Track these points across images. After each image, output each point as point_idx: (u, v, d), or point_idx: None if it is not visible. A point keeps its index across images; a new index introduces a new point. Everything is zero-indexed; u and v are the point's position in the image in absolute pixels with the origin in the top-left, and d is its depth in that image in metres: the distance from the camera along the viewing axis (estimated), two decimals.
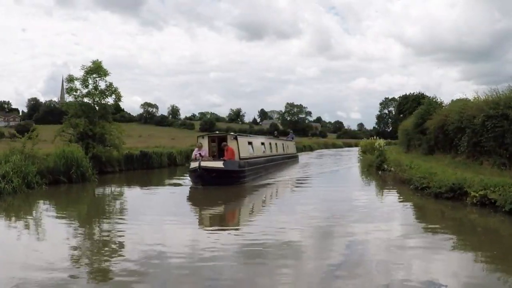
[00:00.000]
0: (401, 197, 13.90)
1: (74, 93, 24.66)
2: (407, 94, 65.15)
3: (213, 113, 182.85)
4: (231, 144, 18.04)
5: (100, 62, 24.74)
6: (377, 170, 21.86)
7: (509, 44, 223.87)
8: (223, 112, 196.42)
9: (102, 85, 24.89)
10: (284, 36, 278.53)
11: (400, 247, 7.55)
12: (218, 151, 18.61)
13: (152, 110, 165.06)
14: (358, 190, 16.12)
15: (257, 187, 17.38)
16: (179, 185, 18.62)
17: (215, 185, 15.81)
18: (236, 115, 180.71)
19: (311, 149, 69.09)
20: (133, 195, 16.81)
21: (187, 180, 18.03)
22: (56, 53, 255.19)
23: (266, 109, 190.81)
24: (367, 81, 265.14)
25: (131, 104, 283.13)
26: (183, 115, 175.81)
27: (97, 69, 24.33)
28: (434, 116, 22.18)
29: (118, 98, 25.24)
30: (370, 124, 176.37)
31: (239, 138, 18.76)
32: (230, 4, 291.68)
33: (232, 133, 20.54)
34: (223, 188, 15.70)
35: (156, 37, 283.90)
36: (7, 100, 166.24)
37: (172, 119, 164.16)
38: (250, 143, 20.64)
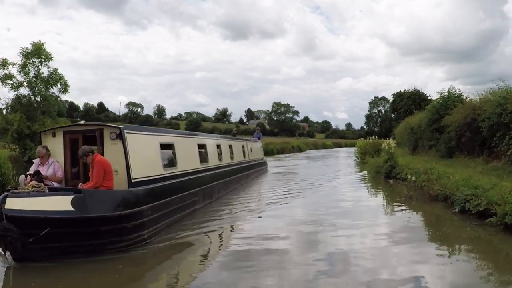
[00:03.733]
0: (459, 236, 8.23)
1: (9, 81, 19.72)
2: (402, 91, 60.62)
3: (199, 113, 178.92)
4: (109, 150, 8.04)
5: (42, 43, 19.88)
6: (386, 178, 17.43)
7: (494, 44, 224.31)
8: (210, 112, 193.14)
9: (45, 72, 20.05)
10: (269, 35, 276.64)
11: None
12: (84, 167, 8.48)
13: (137, 110, 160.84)
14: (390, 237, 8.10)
15: (167, 256, 7.16)
16: None
17: (53, 258, 6.39)
18: (223, 115, 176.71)
19: (299, 149, 64.62)
20: None
21: None
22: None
23: (253, 109, 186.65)
24: (353, 81, 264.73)
25: (117, 104, 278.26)
26: (169, 115, 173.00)
27: (37, 52, 19.46)
28: (456, 111, 17.85)
29: (65, 88, 20.38)
30: (357, 124, 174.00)
31: (130, 136, 8.23)
32: (213, 4, 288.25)
33: (114, 125, 8.37)
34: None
35: (140, 36, 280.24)
36: None
37: (157, 119, 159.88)
38: (169, 147, 10.10)
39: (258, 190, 15.81)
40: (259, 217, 10.36)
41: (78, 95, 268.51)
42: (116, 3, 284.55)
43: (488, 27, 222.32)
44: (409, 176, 13.94)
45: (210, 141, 14.12)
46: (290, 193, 14.37)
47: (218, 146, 14.87)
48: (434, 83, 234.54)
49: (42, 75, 19.93)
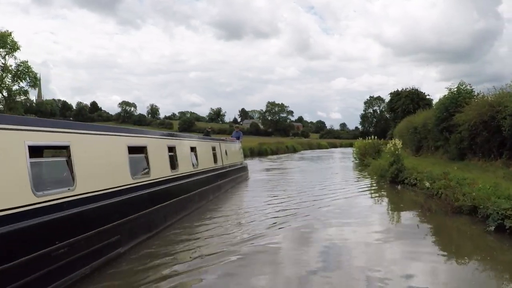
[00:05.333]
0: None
1: None
2: (399, 90, 58.97)
3: (193, 113, 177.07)
4: None
5: (10, 32, 17.81)
6: (392, 183, 15.56)
7: (488, 44, 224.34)
8: (204, 112, 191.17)
9: (13, 64, 17.96)
10: (263, 35, 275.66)
11: None
12: None
13: (130, 109, 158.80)
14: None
15: None
16: None
17: None
18: (217, 115, 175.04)
19: (294, 150, 62.78)
20: None
21: None
22: (35, 52, 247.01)
23: (247, 109, 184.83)
24: (347, 81, 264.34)
25: (111, 103, 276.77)
26: (162, 114, 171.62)
27: (1, 41, 17.39)
28: (469, 108, 16.05)
29: (34, 82, 18.31)
30: (351, 124, 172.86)
31: None
32: (207, 3, 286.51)
33: None
34: None
35: (134, 36, 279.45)
36: None
37: (150, 119, 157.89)
38: (35, 150, 5.22)
39: (231, 210, 10.94)
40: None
41: (72, 94, 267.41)
42: (109, 2, 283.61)
43: (482, 28, 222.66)
44: (424, 183, 11.93)
45: (153, 141, 8.71)
46: (279, 216, 9.77)
47: (171, 149, 9.67)
48: (429, 83, 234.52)
49: (10, 68, 17.85)
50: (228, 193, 14.28)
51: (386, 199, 13.16)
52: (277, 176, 21.37)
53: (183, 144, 10.95)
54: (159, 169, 8.58)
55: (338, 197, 12.99)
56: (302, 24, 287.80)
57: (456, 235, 8.37)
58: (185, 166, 10.50)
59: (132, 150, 7.56)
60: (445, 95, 18.86)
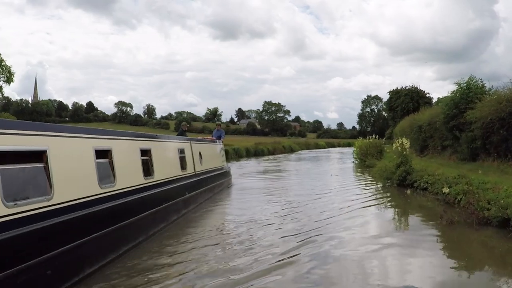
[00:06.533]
0: None
1: None
2: (398, 88, 57.81)
3: (190, 113, 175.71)
4: None
5: None
6: (399, 187, 14.19)
7: (484, 44, 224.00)
8: (200, 111, 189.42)
9: None
10: (258, 35, 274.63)
11: None
12: None
13: (127, 109, 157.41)
14: None
15: None
16: None
17: None
18: (213, 115, 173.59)
19: (291, 150, 61.44)
20: None
21: None
22: (31, 52, 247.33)
23: (244, 109, 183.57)
24: (343, 81, 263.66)
25: (107, 103, 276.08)
26: (159, 114, 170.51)
27: None
28: (483, 104, 14.71)
29: (9, 77, 16.85)
30: (347, 123, 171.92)
31: None
32: (202, 3, 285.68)
33: None
34: None
35: (130, 36, 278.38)
36: None
37: (147, 119, 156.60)
38: None
39: (194, 242, 7.57)
40: None
41: (68, 95, 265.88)
42: (104, 2, 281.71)
43: (478, 27, 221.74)
44: (442, 188, 10.32)
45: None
46: (263, 257, 6.47)
47: (105, 154, 6.65)
48: (424, 82, 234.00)
49: None
50: (203, 208, 11.25)
51: (397, 209, 11.24)
52: (268, 182, 18.33)
53: (124, 147, 7.63)
54: (79, 187, 5.66)
55: (343, 210, 10.41)
56: (298, 24, 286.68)
57: (487, 253, 6.98)
58: (130, 179, 7.28)
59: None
60: (453, 91, 17.55)
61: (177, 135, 15.16)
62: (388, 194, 13.46)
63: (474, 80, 16.95)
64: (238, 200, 13.20)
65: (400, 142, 14.41)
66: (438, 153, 20.39)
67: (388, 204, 11.96)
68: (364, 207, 11.21)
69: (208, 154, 14.26)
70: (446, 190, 9.99)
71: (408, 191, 13.39)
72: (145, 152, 8.33)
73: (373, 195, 13.53)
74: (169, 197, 9.05)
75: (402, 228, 9.11)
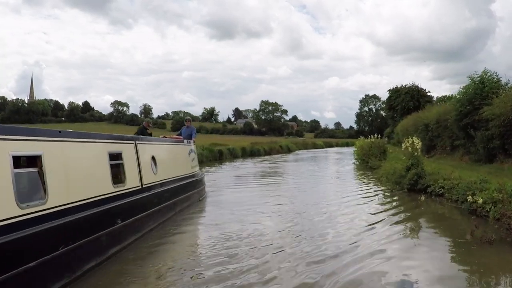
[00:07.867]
0: None
1: None
2: (398, 87, 56.56)
3: (187, 112, 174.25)
4: None
5: None
6: (411, 192, 12.71)
7: (481, 43, 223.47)
8: (197, 111, 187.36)
9: None
10: (255, 35, 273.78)
11: None
12: None
13: (123, 109, 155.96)
14: None
15: None
16: None
17: None
18: (210, 114, 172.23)
19: (288, 150, 59.93)
20: None
21: None
22: (27, 52, 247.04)
23: (241, 108, 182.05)
24: (340, 81, 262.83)
25: (103, 103, 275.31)
26: (156, 114, 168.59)
27: None
28: (501, 100, 13.32)
29: None
30: (345, 123, 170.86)
31: None
32: (198, 3, 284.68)
33: None
34: None
35: (126, 36, 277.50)
36: None
37: (143, 118, 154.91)
38: None
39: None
40: None
41: (65, 94, 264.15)
42: (100, 2, 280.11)
43: (474, 26, 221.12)
44: (476, 198, 8.60)
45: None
46: None
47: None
48: (421, 82, 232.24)
49: None
50: (143, 244, 7.31)
51: (411, 223, 9.52)
52: (257, 190, 15.17)
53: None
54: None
55: (353, 237, 7.48)
56: (294, 24, 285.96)
57: None
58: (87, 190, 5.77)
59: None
60: (465, 86, 16.15)
61: (135, 134, 11.41)
62: (400, 203, 11.76)
63: (489, 74, 15.57)
64: (206, 220, 9.88)
65: (410, 142, 12.99)
66: (447, 154, 19.01)
67: (403, 214, 10.07)
68: (372, 224, 8.83)
69: (169, 159, 10.79)
70: (470, 198, 8.55)
71: (422, 198, 11.93)
72: (31, 161, 5.07)
73: (386, 204, 11.50)
74: (78, 232, 5.51)
75: (429, 252, 6.74)
